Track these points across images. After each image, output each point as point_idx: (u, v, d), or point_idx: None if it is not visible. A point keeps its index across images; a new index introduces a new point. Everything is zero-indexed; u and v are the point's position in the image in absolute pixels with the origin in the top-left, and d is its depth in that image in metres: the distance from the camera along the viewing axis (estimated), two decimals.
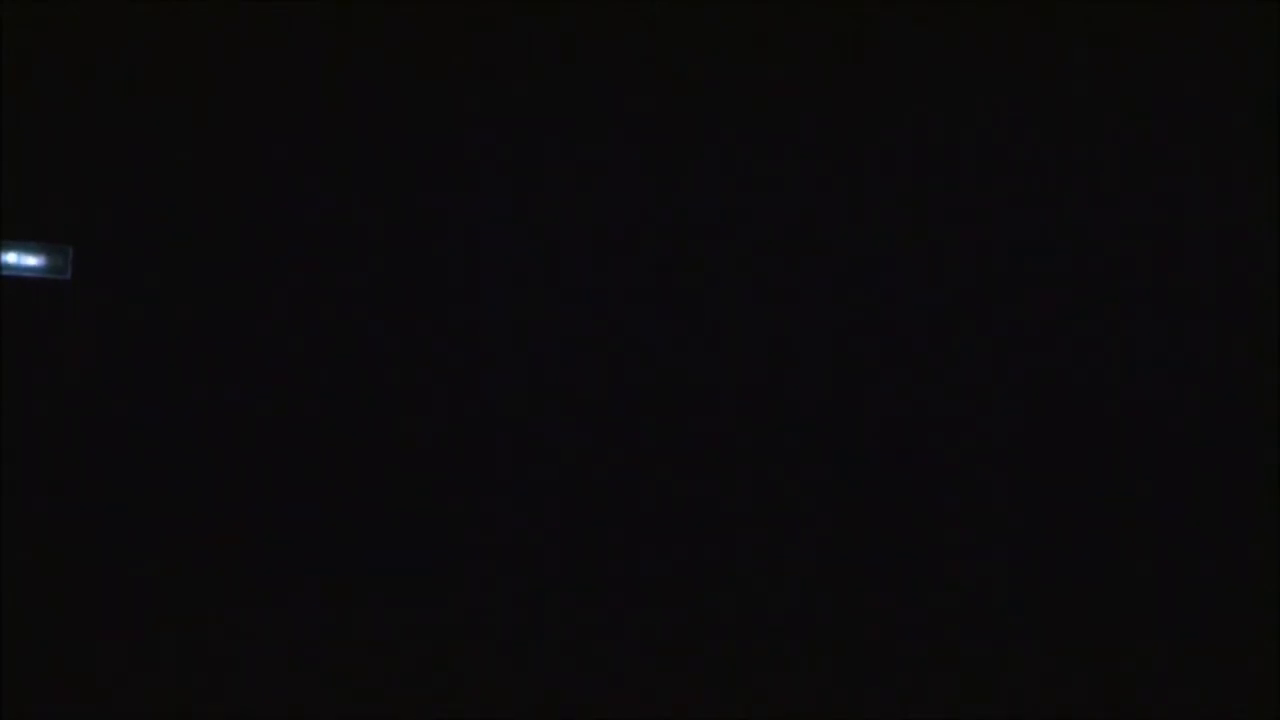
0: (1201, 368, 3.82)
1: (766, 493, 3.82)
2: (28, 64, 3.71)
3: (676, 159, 3.90)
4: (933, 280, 3.88)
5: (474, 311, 3.84)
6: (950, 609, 3.78)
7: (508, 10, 3.88)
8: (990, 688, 3.79)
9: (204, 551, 3.69)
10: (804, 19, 3.91)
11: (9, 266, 3.64)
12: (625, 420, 3.82)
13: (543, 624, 3.77)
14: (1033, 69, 3.92)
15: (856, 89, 3.93)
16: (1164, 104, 3.90)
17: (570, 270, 3.87)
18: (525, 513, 3.79)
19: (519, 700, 3.75)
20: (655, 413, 3.83)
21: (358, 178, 3.82)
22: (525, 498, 3.80)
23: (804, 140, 3.91)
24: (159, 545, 3.68)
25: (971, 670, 3.78)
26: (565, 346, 3.84)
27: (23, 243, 3.66)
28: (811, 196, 3.90)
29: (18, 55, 3.70)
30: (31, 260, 3.65)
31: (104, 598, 3.65)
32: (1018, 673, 3.78)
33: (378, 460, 3.76)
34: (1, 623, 3.58)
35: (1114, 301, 3.85)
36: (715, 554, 3.80)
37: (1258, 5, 3.87)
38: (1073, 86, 3.91)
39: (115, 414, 3.69)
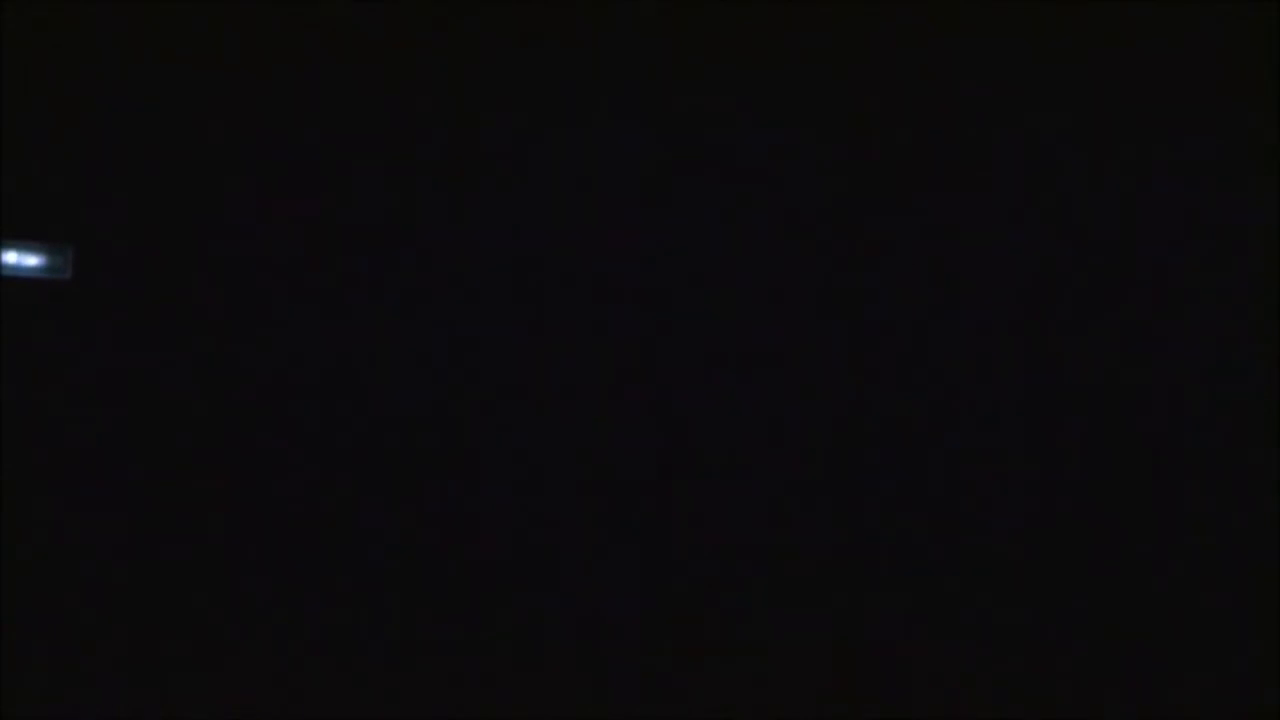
0: (1202, 368, 3.81)
1: (765, 495, 3.82)
2: (28, 64, 3.70)
3: (674, 162, 3.89)
4: (931, 280, 3.87)
5: (479, 314, 3.83)
6: (951, 610, 3.77)
7: (507, 11, 3.87)
8: (989, 689, 3.78)
9: (205, 552, 3.68)
10: (803, 20, 3.91)
11: (9, 266, 3.63)
12: (622, 422, 3.82)
13: (541, 627, 3.76)
14: (1031, 68, 3.91)
15: (854, 88, 3.92)
16: (1163, 103, 3.89)
17: (567, 271, 3.86)
18: (528, 514, 3.79)
19: (516, 701, 3.74)
20: (654, 415, 3.83)
21: (361, 178, 3.82)
22: (528, 501, 3.79)
23: (803, 141, 3.91)
24: (160, 546, 3.67)
25: (972, 671, 3.78)
26: (565, 348, 3.83)
27: (23, 243, 3.66)
28: (810, 197, 3.89)
29: (18, 55, 3.69)
30: (31, 260, 3.65)
31: (104, 599, 3.64)
32: (1017, 674, 3.78)
33: (382, 459, 3.75)
34: (1, 623, 3.57)
35: (1114, 302, 3.85)
36: (715, 555, 3.80)
37: (1258, 5, 3.86)
38: (1071, 85, 3.90)
39: (116, 414, 3.68)
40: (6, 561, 3.58)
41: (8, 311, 3.64)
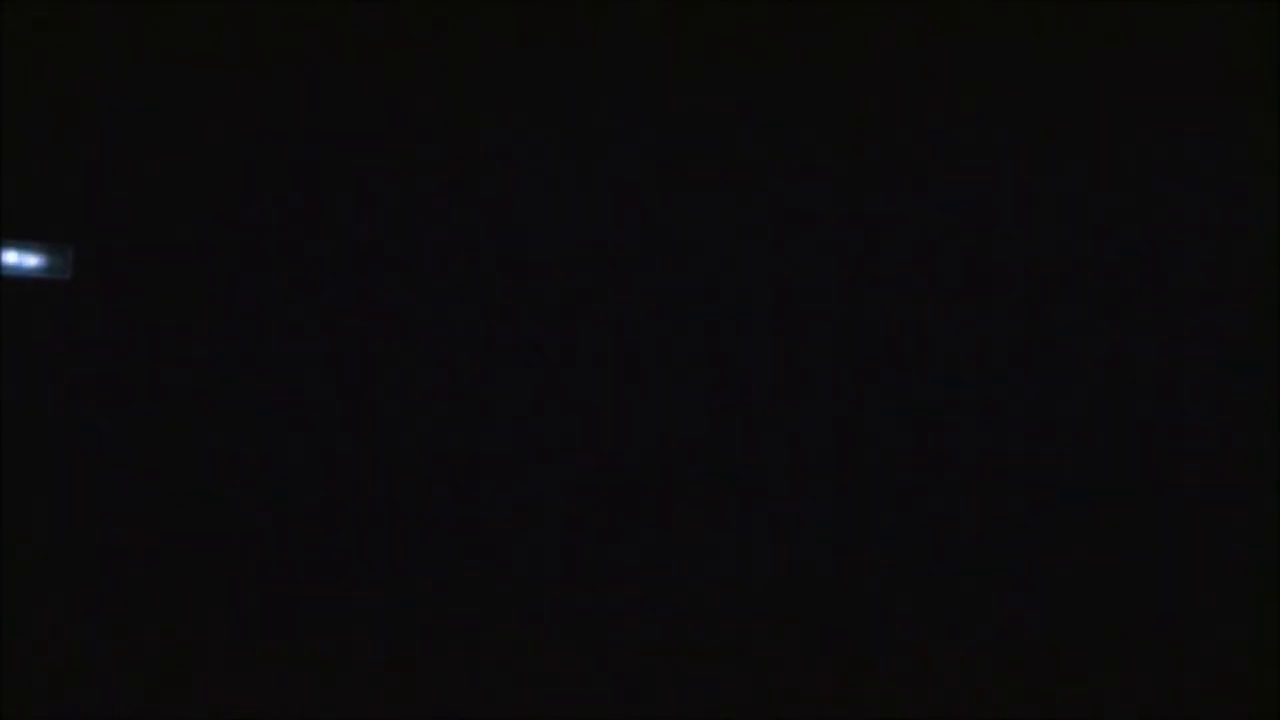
0: (1202, 368, 3.81)
1: (765, 494, 3.82)
2: (28, 64, 3.70)
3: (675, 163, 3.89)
4: (930, 280, 3.87)
5: (479, 314, 3.83)
6: (952, 610, 3.77)
7: (507, 13, 3.87)
8: (990, 689, 3.78)
9: (205, 552, 3.68)
10: (803, 20, 3.91)
11: (9, 266, 3.63)
12: (621, 422, 3.82)
13: (541, 628, 3.76)
14: (1031, 68, 3.91)
15: (854, 88, 3.92)
16: (1163, 103, 3.89)
17: (567, 271, 3.86)
18: (529, 517, 3.79)
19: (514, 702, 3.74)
20: (654, 415, 3.83)
21: (362, 178, 3.82)
22: (529, 502, 3.79)
23: (803, 141, 3.91)
24: (160, 546, 3.67)
25: (973, 671, 3.78)
26: (565, 348, 3.83)
27: (23, 243, 3.66)
28: (810, 197, 3.89)
29: (18, 55, 3.69)
30: (31, 260, 3.65)
31: (105, 599, 3.64)
32: (1018, 675, 3.77)
33: (383, 460, 3.75)
34: (1, 623, 3.57)
35: (1115, 302, 3.85)
36: (715, 555, 3.80)
37: (1258, 5, 3.86)
38: (1071, 85, 3.90)
39: (116, 414, 3.68)
40: (6, 561, 3.58)
41: (8, 311, 3.64)
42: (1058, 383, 3.82)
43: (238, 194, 3.78)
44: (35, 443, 3.64)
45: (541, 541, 3.77)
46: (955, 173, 3.89)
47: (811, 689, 3.73)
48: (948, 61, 3.91)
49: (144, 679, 3.62)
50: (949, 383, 3.83)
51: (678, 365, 3.83)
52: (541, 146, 3.87)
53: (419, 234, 3.82)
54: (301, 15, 3.81)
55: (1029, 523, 3.78)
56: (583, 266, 3.85)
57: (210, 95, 3.78)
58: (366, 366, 3.77)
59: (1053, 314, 3.84)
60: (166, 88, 3.77)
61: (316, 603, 3.69)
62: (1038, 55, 3.90)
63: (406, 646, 3.71)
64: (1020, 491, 3.79)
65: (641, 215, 3.88)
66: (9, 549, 3.59)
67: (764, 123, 3.90)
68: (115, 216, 3.73)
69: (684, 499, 3.80)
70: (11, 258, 3.63)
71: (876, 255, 3.88)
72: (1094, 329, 3.83)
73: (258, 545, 3.69)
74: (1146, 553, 3.76)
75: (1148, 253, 3.85)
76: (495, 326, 3.82)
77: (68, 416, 3.66)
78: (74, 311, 3.69)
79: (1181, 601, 3.73)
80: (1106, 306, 3.84)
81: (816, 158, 3.90)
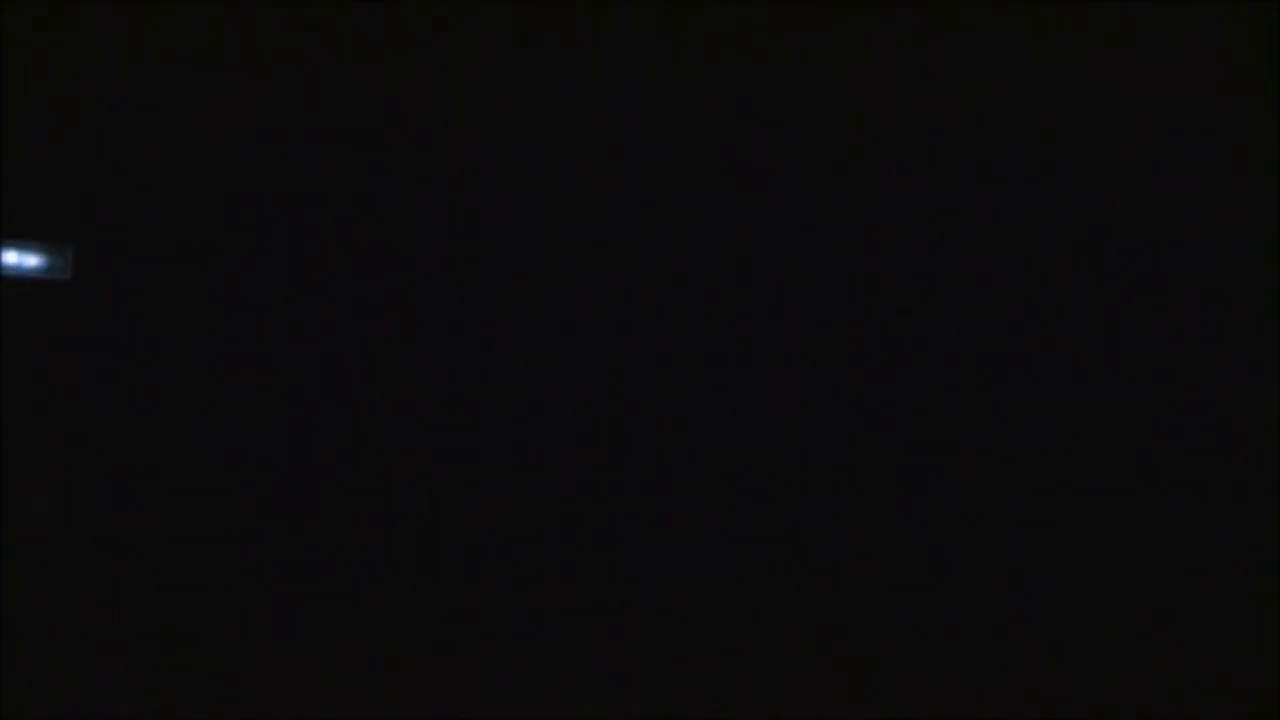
0: (1202, 368, 3.81)
1: (763, 494, 3.82)
2: (28, 64, 3.70)
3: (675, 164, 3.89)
4: (929, 280, 3.87)
5: (479, 313, 3.83)
6: (953, 611, 3.77)
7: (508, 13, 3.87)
8: (989, 689, 3.78)
9: (204, 554, 3.68)
10: (803, 21, 3.91)
11: (9, 266, 3.63)
12: (620, 422, 3.82)
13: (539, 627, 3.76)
14: (1031, 67, 3.91)
15: (854, 88, 3.92)
16: (1163, 103, 3.89)
17: (566, 270, 3.86)
18: (527, 519, 3.79)
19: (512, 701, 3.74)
20: (652, 415, 3.83)
21: (362, 177, 3.81)
22: (527, 503, 3.79)
23: (803, 141, 3.90)
24: (159, 545, 3.67)
25: (971, 672, 3.77)
26: (564, 348, 3.83)
27: (23, 243, 3.65)
28: (810, 197, 3.89)
29: (18, 55, 3.69)
30: (31, 260, 3.64)
31: (104, 598, 3.64)
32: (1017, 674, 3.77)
33: (382, 460, 3.75)
34: (1, 623, 3.57)
35: (1114, 302, 3.84)
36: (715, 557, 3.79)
37: (1258, 5, 3.86)
38: (1071, 85, 3.90)
39: (115, 414, 3.68)
40: (7, 561, 3.58)
41: (8, 311, 3.64)
42: (1058, 383, 3.82)
43: (237, 194, 3.77)
44: (35, 442, 3.64)
45: (541, 541, 3.77)
46: (955, 173, 3.88)
47: (811, 689, 3.73)
48: (948, 61, 3.90)
49: (144, 679, 3.61)
50: (949, 383, 3.83)
51: (678, 365, 3.83)
52: (541, 146, 3.86)
53: (419, 234, 3.82)
54: (301, 15, 3.81)
55: (1029, 523, 3.78)
56: (583, 266, 3.85)
57: (210, 95, 3.78)
58: (366, 365, 3.77)
59: (1053, 314, 3.84)
60: (166, 88, 3.77)
61: (316, 602, 3.69)
62: (1038, 55, 3.89)
63: (406, 646, 3.70)
64: (1020, 491, 3.79)
65: (641, 215, 3.87)
66: (9, 549, 3.59)
67: (764, 123, 3.90)
68: (115, 216, 3.73)
69: (684, 499, 3.79)
70: (11, 258, 3.63)
71: (876, 255, 3.88)
72: (1094, 329, 3.83)
73: (257, 544, 3.69)
74: (1146, 552, 3.76)
75: (1148, 253, 3.84)
76: (494, 326, 3.82)
77: (68, 416, 3.66)
78: (74, 311, 3.68)
79: (1181, 601, 3.73)
80: (1106, 306, 3.83)
81: (816, 158, 3.89)
